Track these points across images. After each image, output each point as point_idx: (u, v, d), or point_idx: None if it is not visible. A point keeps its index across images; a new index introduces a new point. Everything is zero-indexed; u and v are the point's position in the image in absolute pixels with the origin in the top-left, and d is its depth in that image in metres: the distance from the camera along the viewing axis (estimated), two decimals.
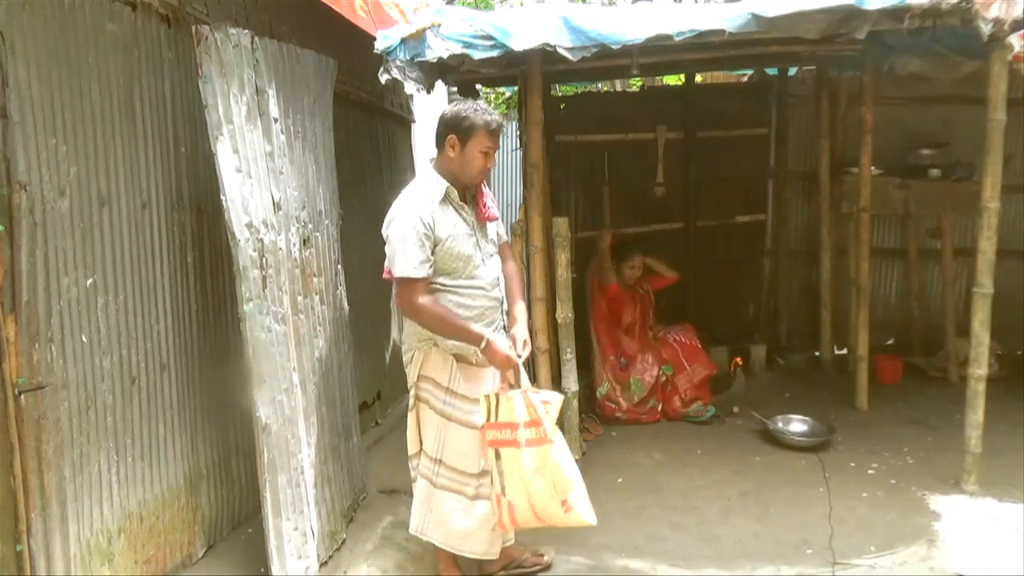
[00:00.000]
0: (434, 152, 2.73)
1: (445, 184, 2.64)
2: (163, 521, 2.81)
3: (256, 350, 2.71)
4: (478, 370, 2.73)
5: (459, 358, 2.71)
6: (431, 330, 2.65)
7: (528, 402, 2.53)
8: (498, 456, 2.55)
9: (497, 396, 2.57)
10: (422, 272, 2.56)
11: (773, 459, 4.05)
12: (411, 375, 2.78)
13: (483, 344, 2.57)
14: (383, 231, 2.65)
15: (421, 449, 2.82)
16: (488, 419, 2.57)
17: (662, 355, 4.78)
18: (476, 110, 2.61)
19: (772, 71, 5.97)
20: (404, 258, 2.54)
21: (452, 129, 2.60)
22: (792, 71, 5.96)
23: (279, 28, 3.60)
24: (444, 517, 2.77)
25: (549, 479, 2.48)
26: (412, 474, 2.88)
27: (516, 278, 2.89)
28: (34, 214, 2.23)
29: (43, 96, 2.26)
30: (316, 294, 3.21)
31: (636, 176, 5.76)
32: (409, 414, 2.83)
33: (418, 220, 2.55)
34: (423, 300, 2.57)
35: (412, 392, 2.79)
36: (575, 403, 3.95)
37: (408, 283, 2.56)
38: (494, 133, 2.62)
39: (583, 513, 2.54)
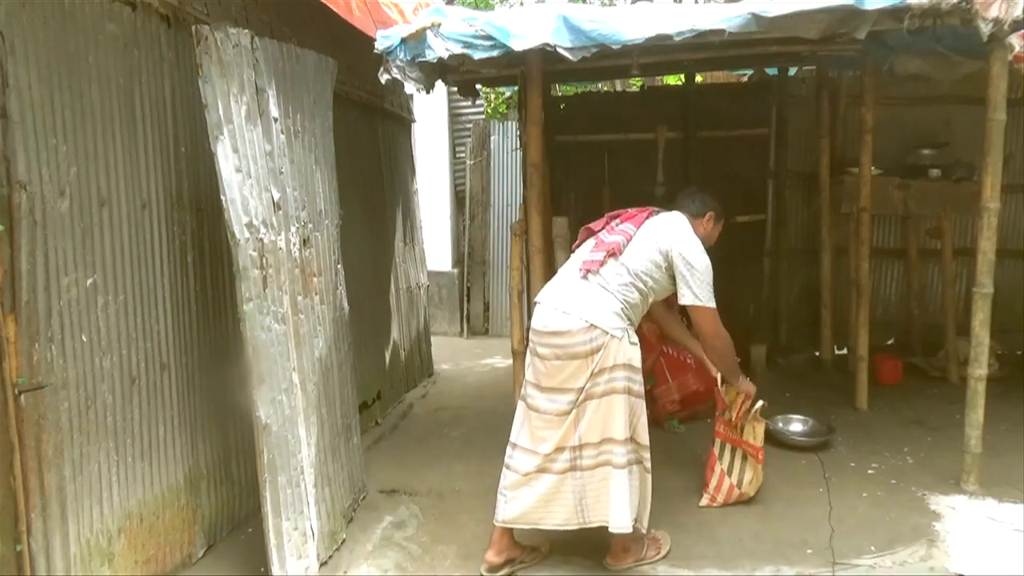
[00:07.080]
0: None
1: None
2: (163, 521, 2.81)
3: (256, 350, 2.71)
4: None
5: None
6: (720, 354, 3.19)
7: (762, 432, 3.46)
8: (734, 459, 3.46)
9: (742, 424, 3.39)
10: None
11: (773, 459, 4.03)
12: (600, 361, 2.75)
13: (742, 375, 3.34)
14: (680, 253, 2.92)
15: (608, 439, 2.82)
16: (733, 432, 3.43)
17: (648, 365, 4.64)
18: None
19: (772, 71, 5.97)
20: (711, 288, 2.93)
21: (714, 208, 3.21)
22: (792, 71, 5.96)
23: (279, 28, 3.61)
24: (646, 496, 2.94)
25: (756, 482, 3.49)
26: (595, 465, 2.82)
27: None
28: (34, 214, 2.23)
29: (43, 96, 2.27)
30: (316, 294, 3.21)
31: (636, 176, 5.75)
32: (595, 402, 2.77)
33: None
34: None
35: (603, 381, 2.76)
36: None
37: (715, 311, 2.97)
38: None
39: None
